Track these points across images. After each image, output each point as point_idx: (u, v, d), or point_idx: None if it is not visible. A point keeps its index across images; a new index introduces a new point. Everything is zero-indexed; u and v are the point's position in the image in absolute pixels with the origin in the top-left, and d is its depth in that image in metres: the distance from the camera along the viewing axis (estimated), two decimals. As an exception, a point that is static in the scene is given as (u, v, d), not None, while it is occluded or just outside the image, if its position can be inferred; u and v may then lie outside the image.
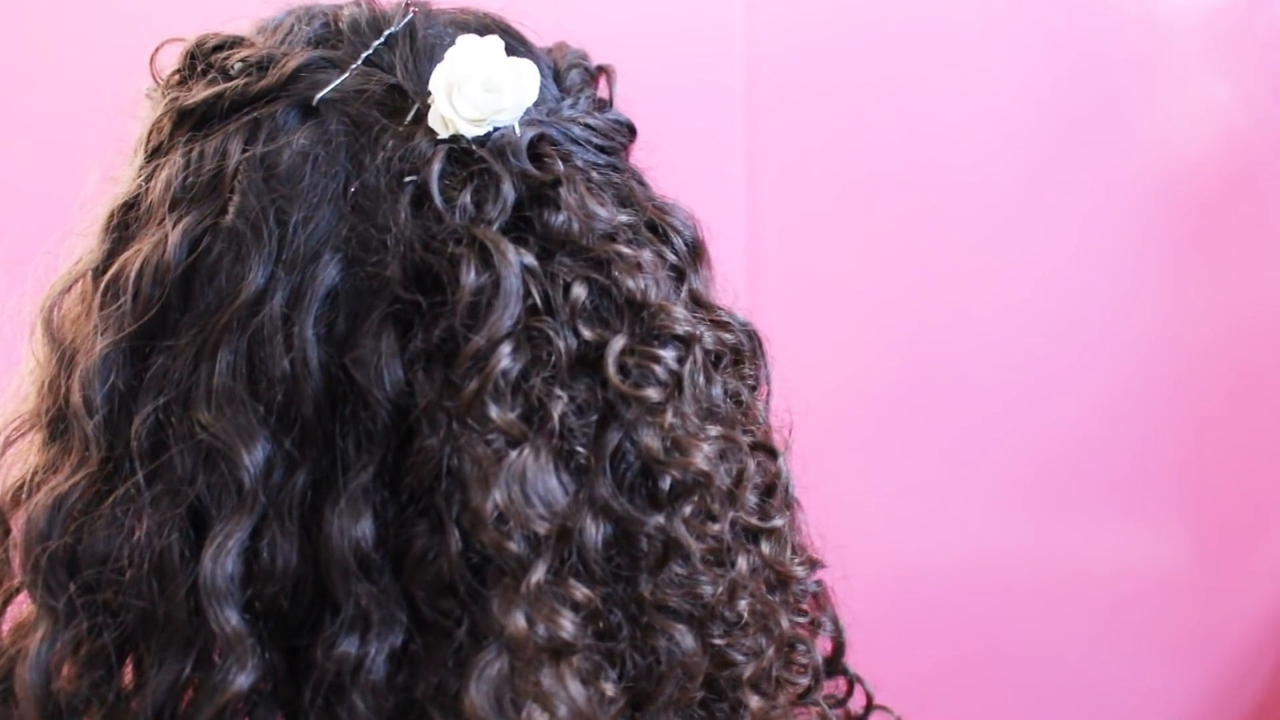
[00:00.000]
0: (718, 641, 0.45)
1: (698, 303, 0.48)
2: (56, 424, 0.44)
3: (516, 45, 0.49)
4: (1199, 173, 1.24)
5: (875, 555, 1.17)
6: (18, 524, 0.44)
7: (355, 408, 0.41)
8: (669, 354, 0.44)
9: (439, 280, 0.42)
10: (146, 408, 0.42)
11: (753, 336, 0.50)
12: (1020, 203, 1.22)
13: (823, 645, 0.55)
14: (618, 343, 0.43)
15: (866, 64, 1.19)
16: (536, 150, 0.45)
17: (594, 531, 0.42)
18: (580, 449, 0.43)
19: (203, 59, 0.48)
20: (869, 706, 0.57)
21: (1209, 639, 1.28)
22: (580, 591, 0.41)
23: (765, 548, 0.48)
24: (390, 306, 0.42)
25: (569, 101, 0.48)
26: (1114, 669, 1.26)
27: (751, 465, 0.46)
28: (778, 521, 0.48)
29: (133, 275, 0.43)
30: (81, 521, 0.42)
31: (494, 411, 0.41)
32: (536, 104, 0.46)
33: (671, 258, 0.47)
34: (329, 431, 0.42)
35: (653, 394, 0.43)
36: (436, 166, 0.43)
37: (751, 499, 0.47)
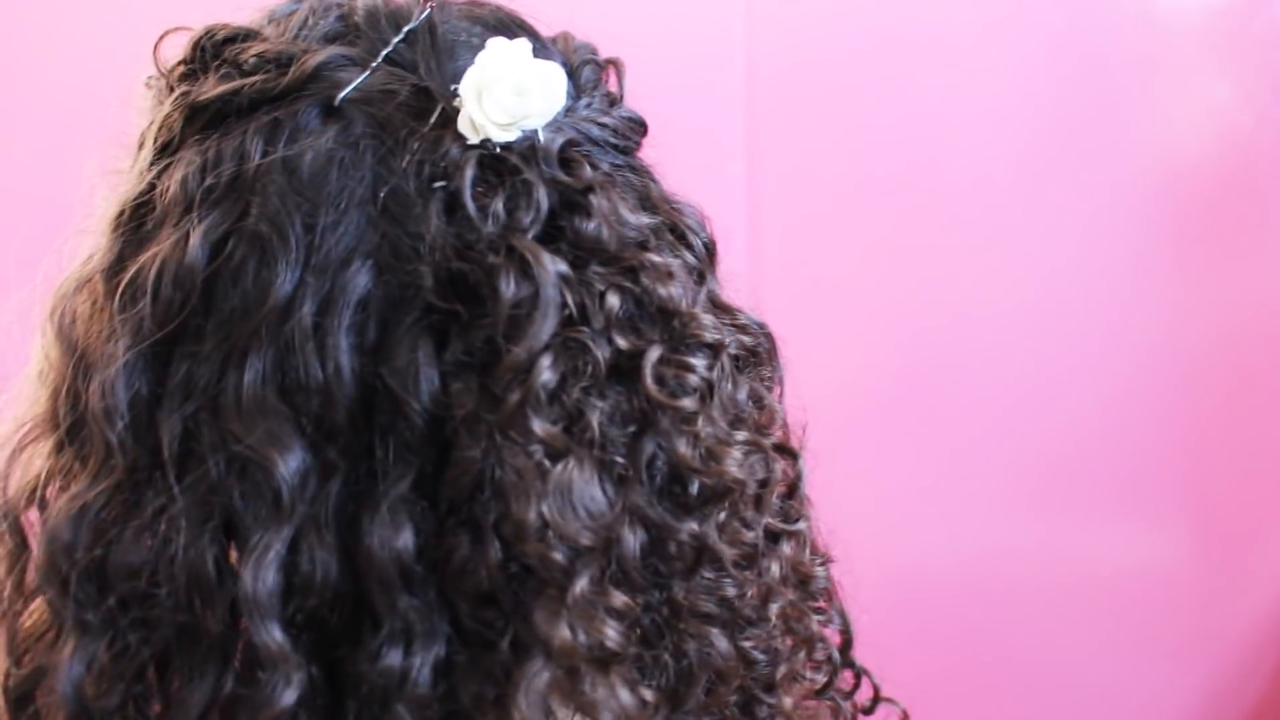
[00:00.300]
0: (748, 644, 0.45)
1: (717, 305, 0.48)
2: (74, 430, 0.43)
3: (534, 41, 0.47)
4: (1199, 173, 1.24)
5: (878, 555, 1.17)
6: (32, 531, 0.43)
7: (392, 417, 0.41)
8: (700, 362, 0.44)
9: (475, 290, 0.41)
10: (173, 416, 0.41)
11: (769, 337, 0.51)
12: (1021, 203, 1.22)
13: (832, 638, 0.55)
14: (654, 352, 0.43)
15: (867, 64, 1.19)
16: (565, 155, 0.44)
17: (632, 540, 0.42)
18: (619, 459, 0.42)
19: (213, 51, 0.46)
20: (875, 699, 0.57)
21: (1209, 639, 1.28)
22: (621, 600, 0.41)
23: (788, 549, 0.48)
24: (425, 315, 0.41)
25: (584, 100, 0.47)
26: (1115, 669, 1.26)
27: (777, 468, 0.46)
28: (801, 525, 0.48)
29: (151, 278, 0.42)
30: (110, 533, 0.41)
31: (536, 424, 0.40)
32: (578, 112, 0.46)
33: (692, 260, 0.47)
34: (365, 441, 0.41)
35: (688, 404, 0.43)
36: (469, 173, 0.42)
37: (776, 502, 0.47)
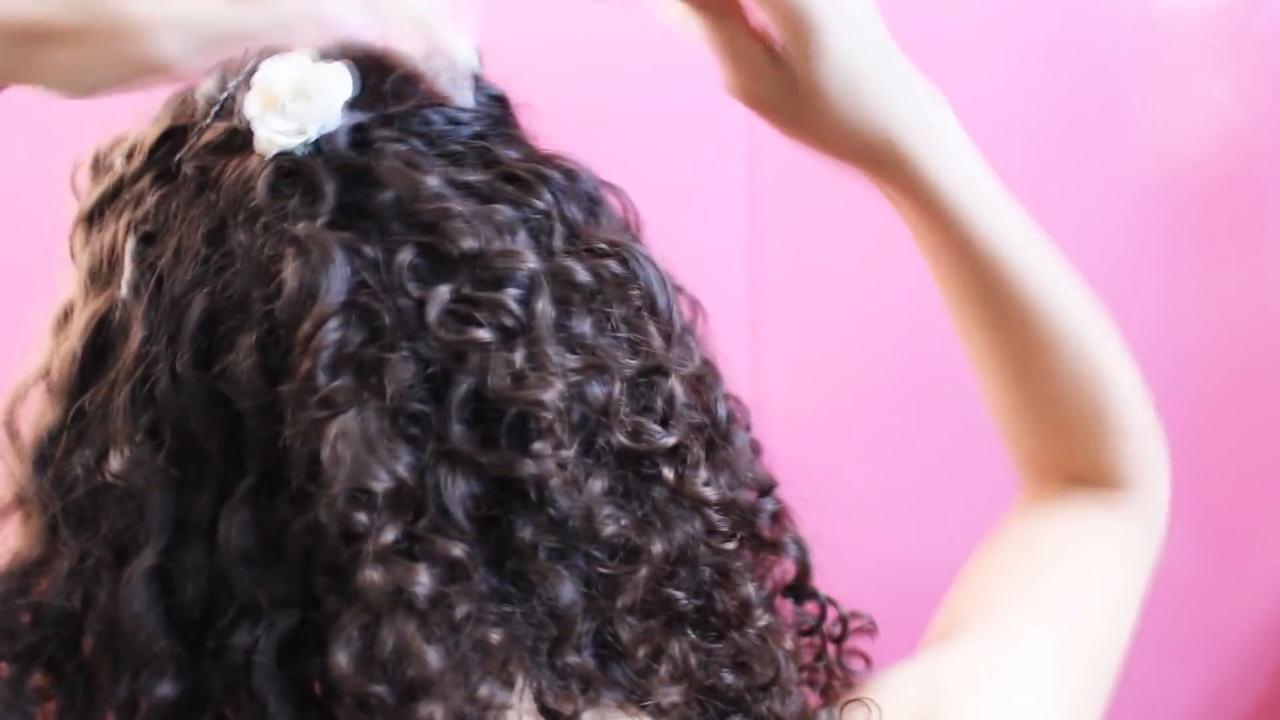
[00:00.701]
0: (604, 572, 0.46)
1: (576, 237, 0.49)
2: (20, 505, 0.49)
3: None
4: (1198, 173, 1.24)
5: (876, 554, 1.17)
6: None
7: (233, 421, 0.45)
8: (510, 294, 0.45)
9: (281, 287, 0.44)
10: (73, 469, 0.46)
11: (643, 260, 0.51)
12: (1020, 202, 1.22)
13: (788, 571, 0.54)
14: (441, 292, 0.44)
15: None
16: (354, 138, 0.47)
17: (452, 485, 0.43)
18: (418, 404, 0.44)
19: (100, 163, 0.52)
20: (844, 632, 0.57)
21: (1209, 639, 1.28)
22: (449, 547, 0.43)
23: (669, 473, 0.48)
24: (248, 323, 0.45)
25: (389, 88, 0.49)
26: (1114, 669, 1.26)
27: (618, 388, 0.46)
28: (667, 440, 0.47)
29: (58, 363, 0.48)
30: (35, 577, 0.47)
31: (322, 380, 0.43)
32: (370, 102, 0.48)
33: (538, 204, 0.48)
34: (220, 449, 0.45)
35: (482, 335, 0.44)
36: (264, 184, 0.46)
37: (642, 422, 0.47)
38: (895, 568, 1.20)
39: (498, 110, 0.52)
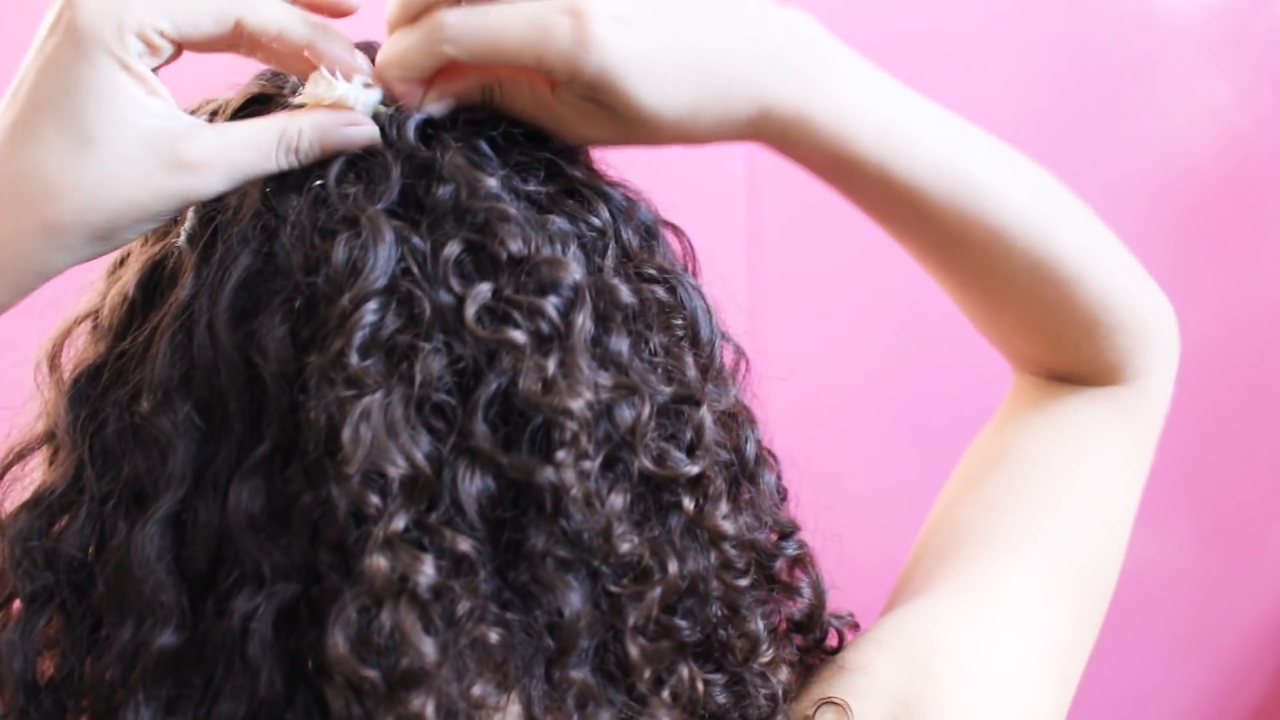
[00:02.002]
0: (615, 589, 0.45)
1: (628, 259, 0.49)
2: (49, 439, 0.49)
3: None
4: (1198, 172, 1.24)
5: (875, 553, 1.17)
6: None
7: (257, 384, 0.45)
8: (551, 301, 0.45)
9: (327, 260, 0.45)
10: (105, 408, 0.47)
11: (697, 291, 0.51)
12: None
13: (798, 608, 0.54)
14: (483, 289, 0.45)
15: (866, 64, 1.19)
16: (424, 131, 0.48)
17: (469, 481, 0.43)
18: (445, 395, 0.44)
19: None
20: (840, 644, 0.56)
21: (1209, 639, 1.28)
22: (457, 540, 0.43)
23: (687, 500, 0.47)
24: (289, 291, 0.45)
25: None
26: (1113, 669, 1.26)
27: (647, 411, 0.46)
28: (691, 469, 0.47)
29: (109, 301, 0.49)
30: (57, 516, 0.47)
31: (353, 360, 0.43)
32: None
33: (595, 220, 0.49)
34: (242, 409, 0.45)
35: (517, 336, 0.44)
36: (336, 167, 0.47)
37: (666, 448, 0.47)
38: (895, 566, 1.19)
39: None
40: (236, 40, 0.46)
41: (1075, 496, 0.60)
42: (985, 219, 0.55)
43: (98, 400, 0.47)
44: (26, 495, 0.49)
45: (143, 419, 0.46)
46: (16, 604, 0.48)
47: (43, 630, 0.47)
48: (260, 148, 0.46)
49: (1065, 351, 0.61)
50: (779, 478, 0.55)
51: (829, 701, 0.52)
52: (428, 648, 0.42)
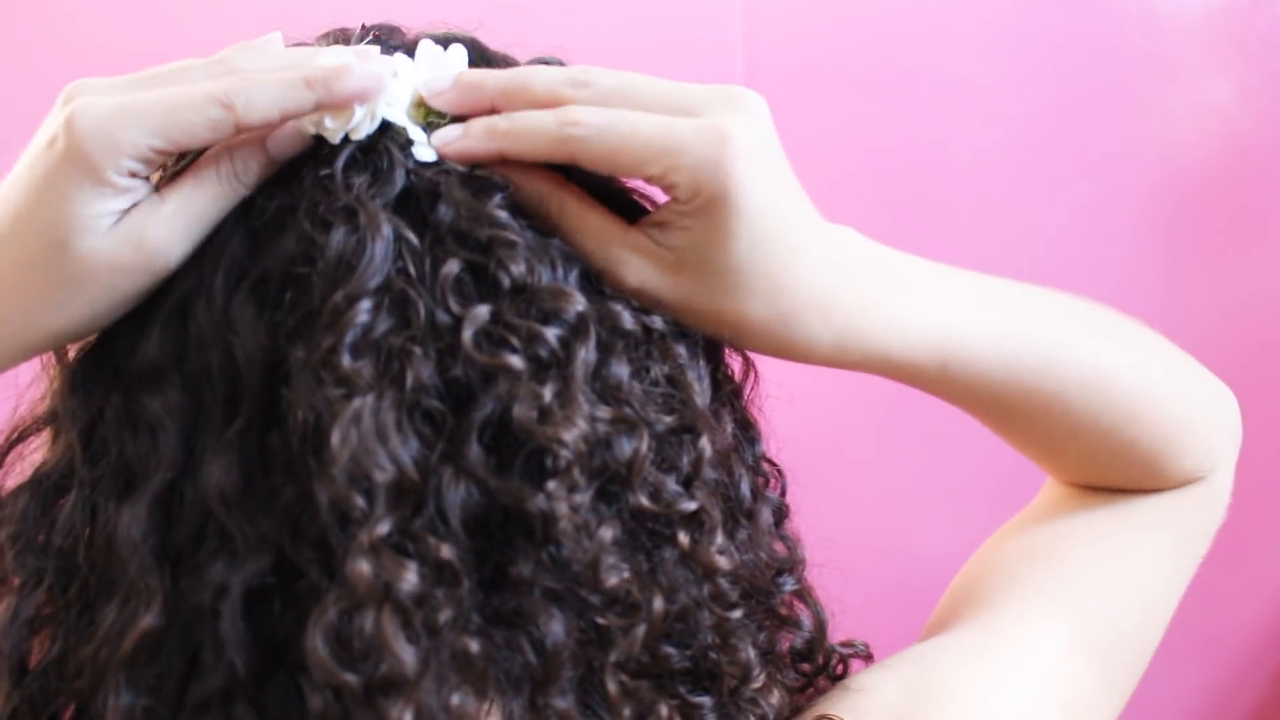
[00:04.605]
0: (601, 623, 0.45)
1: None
2: (51, 419, 0.49)
3: (474, 57, 0.50)
4: (1199, 171, 1.24)
5: (875, 553, 1.17)
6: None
7: (232, 364, 0.45)
8: (551, 330, 0.44)
9: (321, 248, 0.44)
10: (102, 393, 0.47)
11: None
12: (1020, 201, 1.22)
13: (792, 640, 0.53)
14: (482, 310, 0.44)
15: (866, 63, 1.19)
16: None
17: (454, 493, 0.43)
18: (436, 404, 0.44)
19: None
20: (844, 671, 0.55)
21: (1209, 640, 1.28)
22: (439, 548, 0.42)
23: (683, 535, 0.47)
24: (281, 276, 0.45)
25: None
26: (1114, 669, 1.26)
27: (644, 446, 0.45)
28: (687, 505, 0.46)
29: None
30: (52, 499, 0.47)
31: (345, 360, 0.42)
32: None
33: None
34: (222, 388, 0.45)
35: (513, 361, 0.44)
36: (342, 157, 0.46)
37: (663, 481, 0.46)
38: (895, 568, 1.19)
39: None
40: (244, 130, 0.46)
41: (1121, 565, 0.60)
42: (1045, 385, 0.55)
43: (96, 383, 0.47)
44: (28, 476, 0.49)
45: (135, 401, 0.46)
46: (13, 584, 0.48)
47: (33, 614, 0.47)
48: (209, 187, 0.46)
49: (1128, 483, 0.61)
50: (783, 493, 0.54)
51: (826, 717, 0.51)
52: (408, 656, 0.41)
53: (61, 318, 0.46)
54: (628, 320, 0.47)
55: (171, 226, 0.45)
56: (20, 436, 0.50)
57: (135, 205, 0.45)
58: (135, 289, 0.46)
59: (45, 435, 0.50)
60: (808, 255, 0.48)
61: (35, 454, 0.50)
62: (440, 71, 0.48)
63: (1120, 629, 0.59)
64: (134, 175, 0.44)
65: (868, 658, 0.56)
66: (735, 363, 0.53)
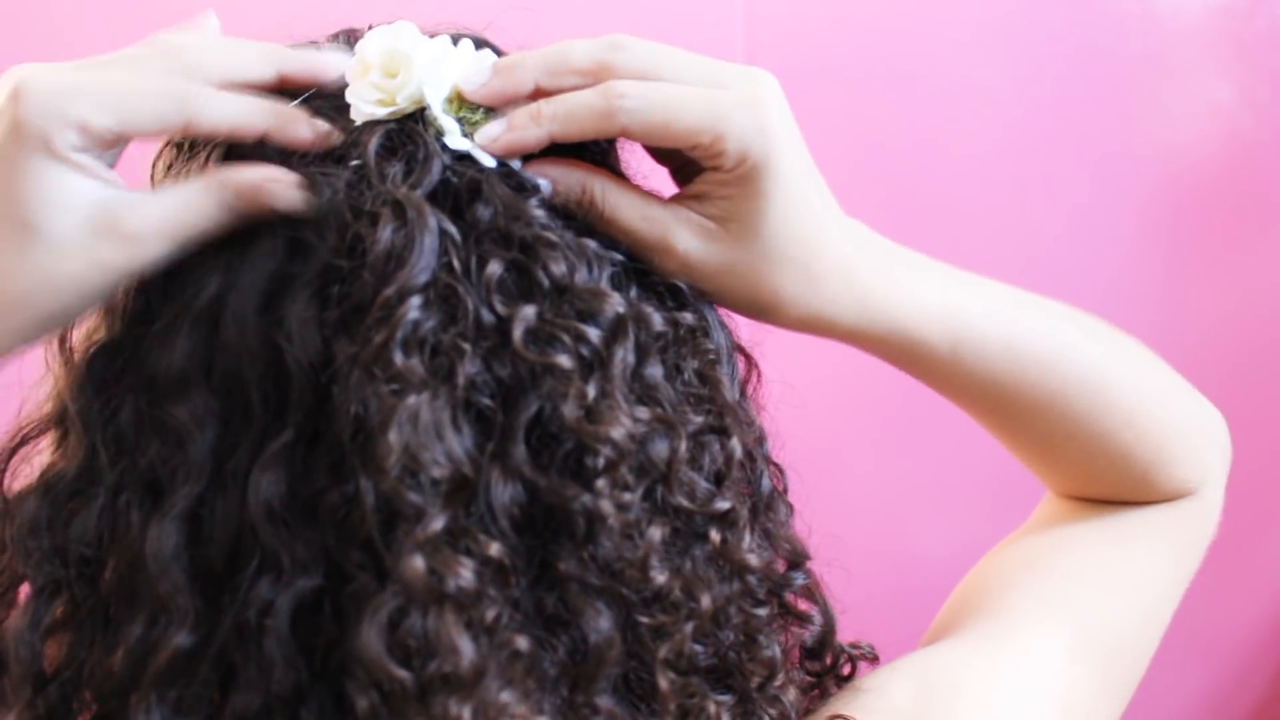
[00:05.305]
0: (645, 620, 0.45)
1: (662, 282, 0.49)
2: (58, 422, 0.48)
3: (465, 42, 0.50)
4: (1198, 172, 1.24)
5: (875, 553, 1.17)
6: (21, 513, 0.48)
7: (280, 373, 0.44)
8: (593, 331, 0.45)
9: (362, 241, 0.44)
10: (120, 393, 0.46)
11: (721, 326, 0.51)
12: (1020, 201, 1.22)
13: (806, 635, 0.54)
14: (528, 310, 0.44)
15: (866, 62, 1.19)
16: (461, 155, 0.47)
17: (502, 491, 0.43)
18: (487, 401, 0.43)
19: None
20: (852, 672, 0.55)
21: (1209, 640, 1.28)
22: (488, 544, 0.42)
23: (717, 535, 0.47)
24: (319, 273, 0.44)
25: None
26: (1114, 669, 1.26)
27: (683, 446, 0.45)
28: (721, 504, 0.47)
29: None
30: (67, 504, 0.46)
31: (397, 357, 0.42)
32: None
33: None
34: (265, 397, 0.44)
35: (563, 361, 0.44)
36: (374, 143, 0.45)
37: (696, 480, 0.47)
38: (895, 568, 1.20)
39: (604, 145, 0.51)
40: (189, 134, 0.46)
41: (1118, 575, 0.61)
42: (1048, 381, 0.56)
43: (113, 384, 0.46)
44: (33, 478, 0.48)
45: (160, 408, 0.45)
46: (23, 591, 0.47)
47: (50, 620, 0.46)
48: (197, 208, 0.45)
49: (1122, 492, 0.62)
50: (785, 490, 0.54)
51: (841, 717, 0.51)
52: (469, 652, 0.41)
53: (41, 303, 0.44)
54: (658, 321, 0.47)
55: (145, 221, 0.44)
56: (22, 440, 0.49)
57: (115, 197, 0.44)
58: (109, 281, 0.45)
59: (51, 437, 0.49)
60: (831, 226, 0.50)
61: (40, 456, 0.49)
62: (478, 65, 0.47)
63: (1119, 637, 0.60)
64: (84, 152, 0.43)
65: (874, 659, 0.57)
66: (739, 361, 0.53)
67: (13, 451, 0.49)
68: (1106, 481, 0.62)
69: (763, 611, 0.49)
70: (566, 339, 0.44)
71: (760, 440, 0.52)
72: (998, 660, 0.56)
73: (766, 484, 0.51)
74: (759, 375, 0.54)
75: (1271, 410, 1.25)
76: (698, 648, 0.47)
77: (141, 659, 0.44)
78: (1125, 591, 0.61)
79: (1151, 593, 0.62)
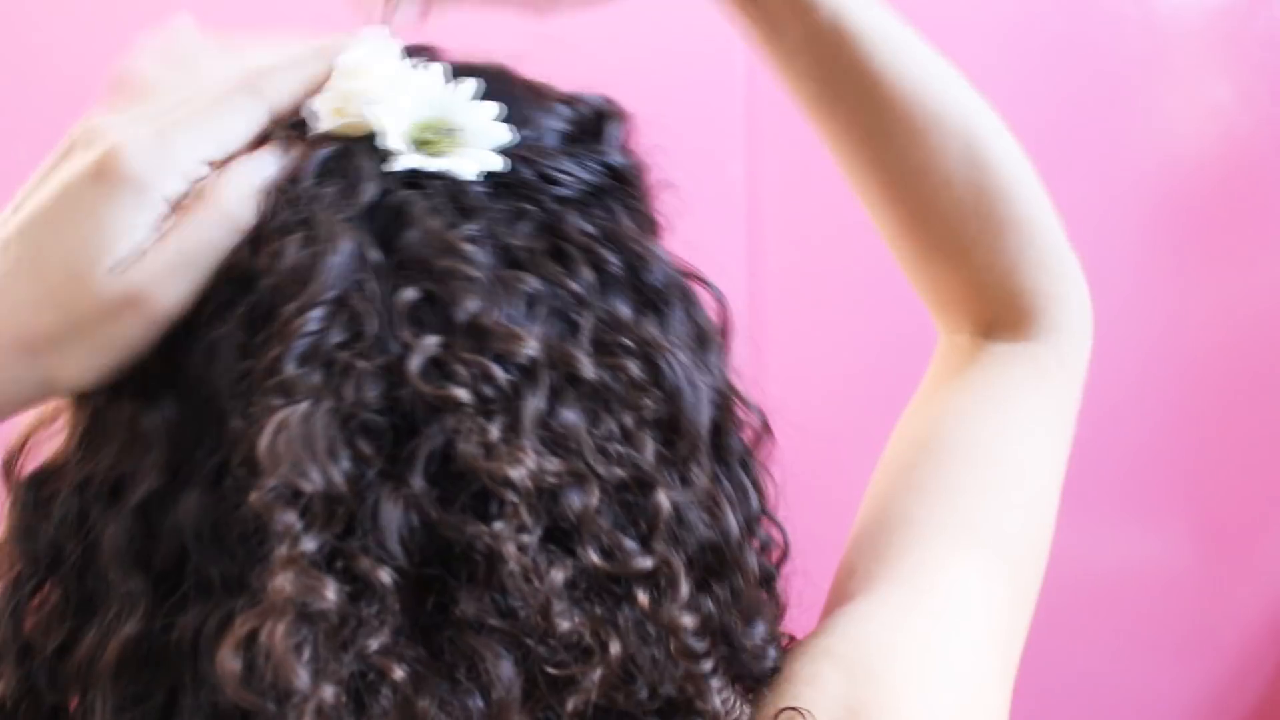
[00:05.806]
0: (551, 670, 0.42)
1: (608, 328, 0.47)
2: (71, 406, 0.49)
3: (504, 89, 0.49)
4: (1199, 173, 1.24)
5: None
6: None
7: (197, 397, 0.44)
8: (500, 371, 0.43)
9: (278, 259, 0.44)
10: (100, 390, 0.46)
11: (677, 368, 0.48)
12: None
13: None
14: (431, 341, 0.43)
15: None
16: (410, 174, 0.46)
17: (392, 510, 0.42)
18: (375, 416, 0.42)
19: None
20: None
21: (1209, 639, 1.29)
22: (376, 569, 0.41)
23: (641, 594, 0.44)
24: (246, 295, 0.44)
25: (533, 134, 0.48)
26: (1114, 669, 1.26)
27: (594, 500, 0.43)
28: (641, 562, 0.44)
29: None
30: (47, 489, 0.47)
31: (288, 368, 0.41)
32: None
33: (573, 286, 0.46)
34: (205, 415, 0.44)
35: (460, 394, 0.42)
36: (314, 160, 0.45)
37: (617, 536, 0.44)
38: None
39: (605, 179, 0.50)
40: (278, 121, 0.46)
41: (1005, 474, 0.59)
42: (928, 102, 0.61)
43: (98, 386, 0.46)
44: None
45: (133, 412, 0.45)
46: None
47: (28, 603, 0.46)
48: (199, 227, 0.44)
49: (994, 275, 0.63)
50: (782, 559, 0.52)
51: (792, 709, 0.48)
52: (301, 675, 0.39)
53: (67, 366, 0.44)
54: (588, 368, 0.45)
55: (154, 268, 0.43)
56: (40, 424, 0.49)
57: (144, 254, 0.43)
58: (132, 336, 0.44)
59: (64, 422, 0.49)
60: None
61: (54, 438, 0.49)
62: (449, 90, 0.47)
63: (1018, 538, 0.59)
64: (169, 201, 0.43)
65: (790, 639, 0.54)
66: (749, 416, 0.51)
67: (26, 437, 0.49)
68: (980, 260, 0.63)
69: (707, 665, 0.46)
70: (466, 374, 0.43)
71: (742, 496, 0.50)
72: (918, 612, 0.53)
73: (731, 538, 0.48)
74: (772, 437, 0.52)
75: (1272, 410, 1.25)
76: (626, 698, 0.44)
77: (98, 650, 0.44)
78: (1016, 490, 0.59)
79: (1039, 479, 0.61)
